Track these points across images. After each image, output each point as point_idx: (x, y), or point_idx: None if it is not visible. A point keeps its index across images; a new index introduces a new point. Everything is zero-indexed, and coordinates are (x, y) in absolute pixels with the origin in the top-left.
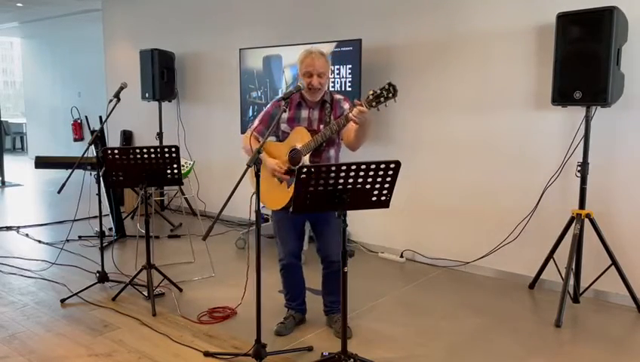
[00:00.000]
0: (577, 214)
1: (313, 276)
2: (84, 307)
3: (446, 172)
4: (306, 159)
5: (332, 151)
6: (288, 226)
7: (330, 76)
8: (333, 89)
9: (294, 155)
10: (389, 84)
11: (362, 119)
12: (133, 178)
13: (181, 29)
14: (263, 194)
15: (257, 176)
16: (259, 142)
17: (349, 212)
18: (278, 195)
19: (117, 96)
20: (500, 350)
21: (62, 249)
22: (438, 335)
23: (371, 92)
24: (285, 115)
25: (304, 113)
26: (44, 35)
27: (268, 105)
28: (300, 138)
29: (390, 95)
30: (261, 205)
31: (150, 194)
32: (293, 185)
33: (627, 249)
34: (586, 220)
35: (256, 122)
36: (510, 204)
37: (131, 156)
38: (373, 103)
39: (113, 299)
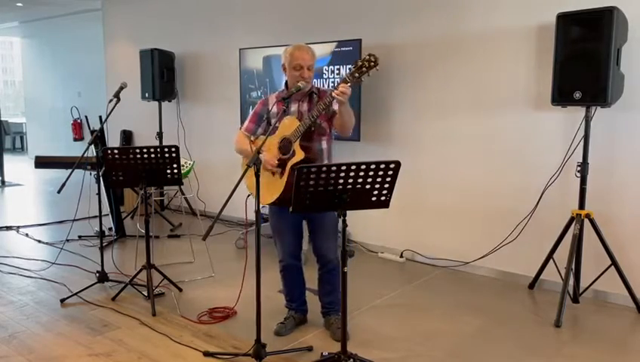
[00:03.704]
0: (577, 214)
1: (313, 276)
2: (83, 307)
3: (446, 172)
4: (296, 145)
5: (324, 143)
6: (286, 225)
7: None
8: (333, 88)
9: (285, 144)
10: (369, 54)
11: (343, 98)
12: (133, 178)
13: (181, 29)
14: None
15: (257, 176)
16: (250, 140)
17: (348, 211)
18: (271, 187)
19: (117, 95)
20: (499, 350)
21: (62, 249)
22: (438, 335)
23: (353, 65)
24: (275, 111)
25: (293, 106)
26: (44, 35)
27: (256, 105)
28: (289, 126)
29: (372, 64)
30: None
31: (150, 194)
32: (286, 175)
33: (627, 249)
34: (586, 220)
35: (246, 122)
36: (510, 204)
37: (131, 156)
38: (356, 74)
39: (113, 299)
